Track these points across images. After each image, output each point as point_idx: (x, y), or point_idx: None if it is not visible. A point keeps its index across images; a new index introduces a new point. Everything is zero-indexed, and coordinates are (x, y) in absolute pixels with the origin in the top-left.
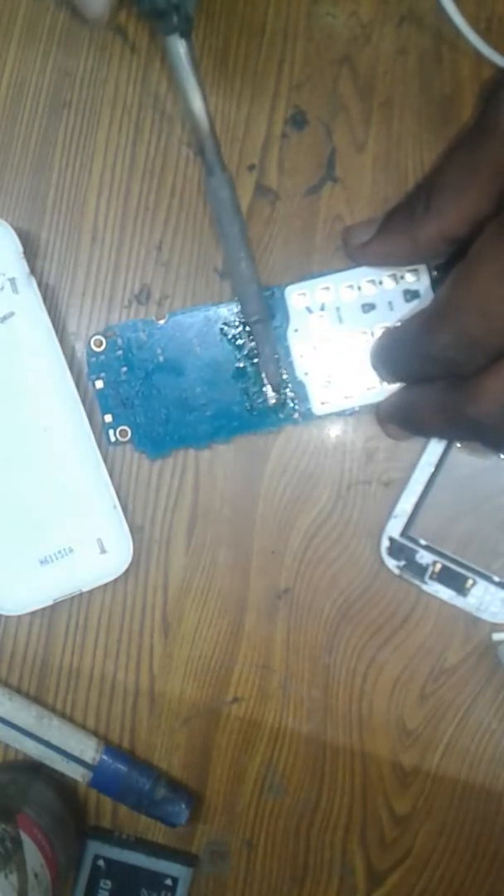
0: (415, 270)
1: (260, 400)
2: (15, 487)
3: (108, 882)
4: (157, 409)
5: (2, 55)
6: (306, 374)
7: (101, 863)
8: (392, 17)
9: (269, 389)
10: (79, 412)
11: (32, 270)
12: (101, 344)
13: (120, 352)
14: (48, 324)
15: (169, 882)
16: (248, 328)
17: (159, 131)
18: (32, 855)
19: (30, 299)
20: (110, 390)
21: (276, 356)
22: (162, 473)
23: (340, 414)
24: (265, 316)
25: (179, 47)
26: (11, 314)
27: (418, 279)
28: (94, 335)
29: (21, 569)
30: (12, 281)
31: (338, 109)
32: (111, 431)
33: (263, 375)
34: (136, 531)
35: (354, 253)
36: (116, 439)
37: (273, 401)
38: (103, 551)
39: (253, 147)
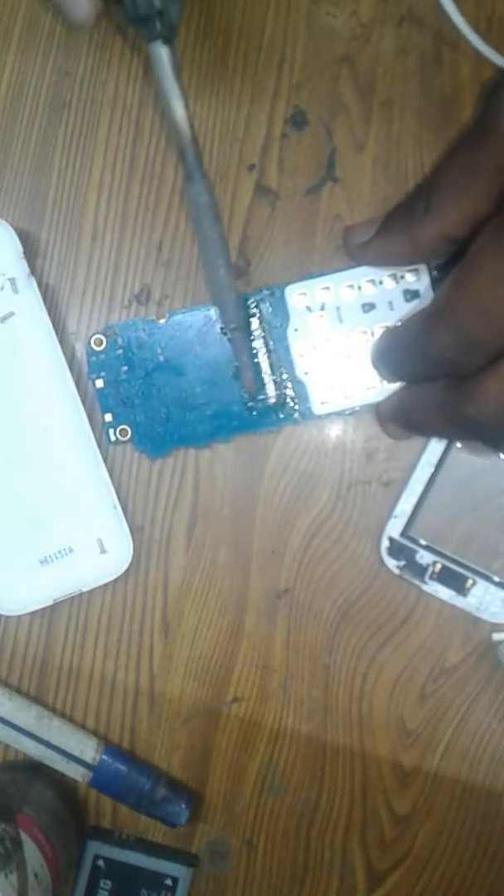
0: (415, 270)
1: (260, 399)
2: (15, 487)
3: (108, 882)
4: (157, 408)
5: (2, 55)
6: (306, 373)
7: (101, 863)
8: (392, 17)
9: (269, 389)
10: (79, 412)
11: (32, 270)
12: (101, 343)
13: (120, 351)
14: (48, 324)
15: (169, 882)
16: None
17: (159, 131)
18: (32, 855)
19: (30, 299)
20: (110, 389)
21: (254, 363)
22: (162, 473)
23: (340, 414)
24: (241, 324)
25: (162, 54)
26: (11, 314)
27: (418, 279)
28: (94, 334)
29: (21, 569)
30: (12, 281)
31: (338, 109)
32: (111, 431)
33: (241, 383)
34: (136, 531)
35: (354, 253)
36: (116, 438)
37: (273, 400)
38: (103, 551)
39: (253, 147)
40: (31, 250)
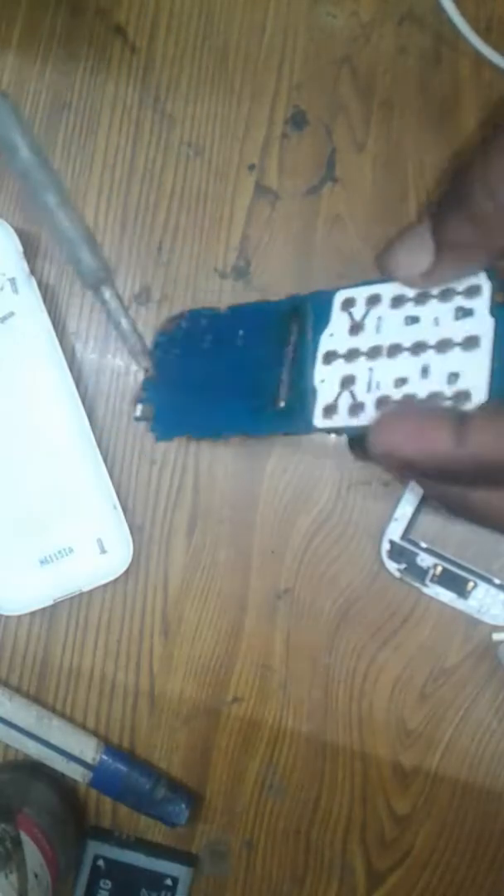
0: (471, 288)
1: (271, 403)
2: (15, 487)
3: (108, 882)
4: (180, 394)
5: (2, 55)
6: (322, 381)
7: (101, 863)
8: (392, 17)
9: (281, 393)
10: (79, 412)
11: (32, 270)
12: (170, 325)
13: (180, 334)
14: (48, 324)
15: (169, 882)
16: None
17: (159, 131)
18: (32, 855)
19: (30, 299)
20: (160, 370)
21: (132, 321)
22: (162, 473)
23: (342, 430)
24: (109, 275)
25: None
26: (11, 314)
27: (473, 299)
28: (168, 317)
29: (21, 569)
30: (12, 281)
31: (338, 109)
32: (139, 406)
33: (126, 348)
34: (136, 531)
35: (414, 283)
36: (141, 414)
37: (282, 404)
38: (103, 551)
39: (253, 147)
40: (31, 250)
